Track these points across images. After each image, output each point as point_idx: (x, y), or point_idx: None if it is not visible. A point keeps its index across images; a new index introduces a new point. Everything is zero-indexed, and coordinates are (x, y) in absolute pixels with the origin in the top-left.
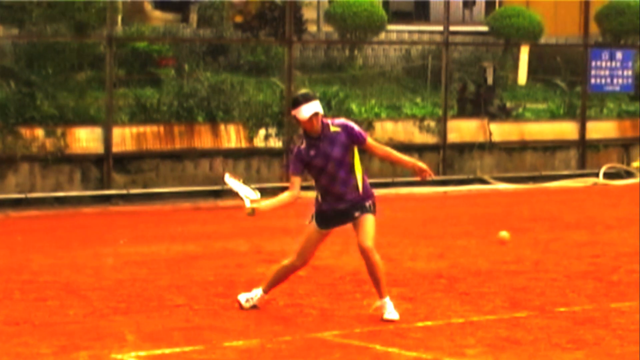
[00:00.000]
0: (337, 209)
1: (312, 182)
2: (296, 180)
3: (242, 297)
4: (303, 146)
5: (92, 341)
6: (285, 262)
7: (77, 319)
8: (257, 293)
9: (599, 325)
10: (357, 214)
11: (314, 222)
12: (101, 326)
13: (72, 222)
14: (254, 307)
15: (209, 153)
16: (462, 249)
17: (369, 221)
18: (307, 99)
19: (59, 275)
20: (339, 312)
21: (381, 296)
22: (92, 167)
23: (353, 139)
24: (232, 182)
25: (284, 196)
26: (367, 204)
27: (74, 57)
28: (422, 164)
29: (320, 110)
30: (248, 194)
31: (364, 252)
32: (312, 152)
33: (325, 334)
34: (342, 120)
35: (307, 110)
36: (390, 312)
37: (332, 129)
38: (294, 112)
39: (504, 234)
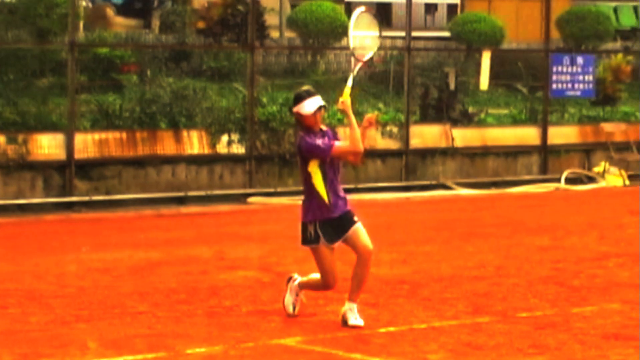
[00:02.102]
0: (340, 213)
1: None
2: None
3: (287, 300)
4: (315, 136)
5: (54, 349)
6: (318, 279)
7: (39, 327)
8: (296, 290)
9: (560, 329)
10: (355, 218)
11: (322, 244)
12: (63, 334)
13: (34, 229)
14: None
15: (172, 159)
16: (425, 255)
17: (362, 229)
18: (310, 93)
19: (21, 283)
20: (302, 319)
21: (353, 300)
22: (54, 173)
23: (336, 137)
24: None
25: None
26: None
27: (35, 63)
28: (367, 119)
29: (325, 104)
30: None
31: (367, 255)
32: (325, 139)
33: (288, 340)
34: None
35: (312, 104)
36: (357, 318)
37: (322, 127)
38: (296, 109)
39: None
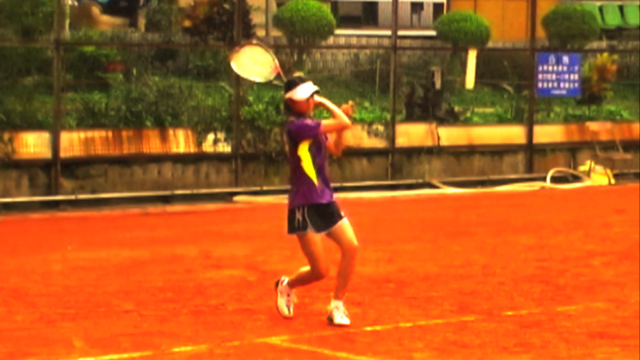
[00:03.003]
0: (327, 201)
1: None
2: None
3: (280, 303)
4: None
5: (40, 347)
6: (308, 271)
7: (24, 325)
8: (287, 290)
9: (545, 328)
10: (342, 213)
11: (310, 231)
12: (49, 332)
13: (19, 228)
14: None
15: (158, 158)
16: (411, 254)
17: (348, 225)
18: (302, 80)
19: (6, 282)
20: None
21: (339, 298)
22: (39, 172)
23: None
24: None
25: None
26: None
27: (21, 62)
28: (346, 106)
29: (318, 89)
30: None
31: (353, 251)
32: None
33: (274, 339)
34: None
35: (306, 90)
36: (343, 316)
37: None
38: (289, 94)
39: None
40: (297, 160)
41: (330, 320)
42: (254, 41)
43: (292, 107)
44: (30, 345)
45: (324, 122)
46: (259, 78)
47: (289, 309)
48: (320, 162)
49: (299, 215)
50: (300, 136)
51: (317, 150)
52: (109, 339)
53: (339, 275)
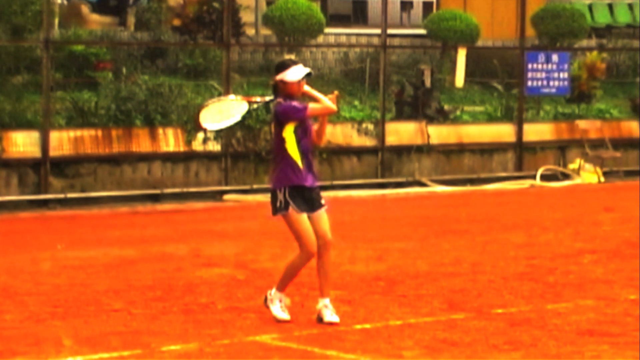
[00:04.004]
0: (310, 185)
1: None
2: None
3: (275, 310)
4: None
5: (29, 346)
6: (294, 258)
7: (13, 324)
8: (277, 296)
9: (535, 326)
10: (323, 201)
11: (292, 209)
12: (38, 331)
13: (9, 227)
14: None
15: (147, 157)
16: (401, 252)
17: (326, 216)
18: (294, 62)
19: None
20: None
21: (325, 295)
22: (29, 171)
23: None
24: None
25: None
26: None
27: (10, 61)
28: (331, 97)
29: (311, 71)
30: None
31: (327, 245)
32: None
33: (264, 337)
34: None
35: (298, 71)
36: (333, 314)
37: None
38: (280, 76)
39: None
40: (282, 141)
41: (319, 319)
42: (205, 103)
43: (282, 89)
44: (20, 344)
45: (311, 105)
46: (236, 118)
47: (285, 312)
48: (306, 146)
49: (280, 197)
50: (286, 117)
51: (303, 133)
52: (98, 337)
53: (319, 273)
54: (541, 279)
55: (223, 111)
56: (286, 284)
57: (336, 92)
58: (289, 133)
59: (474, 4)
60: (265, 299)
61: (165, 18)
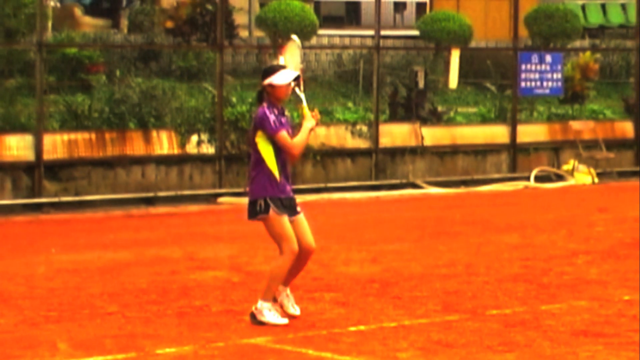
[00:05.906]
0: (287, 195)
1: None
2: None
3: (270, 318)
4: (275, 112)
5: (24, 350)
6: (277, 263)
7: (8, 328)
8: (264, 306)
9: (529, 327)
10: (299, 208)
11: (273, 211)
12: (33, 335)
13: (2, 230)
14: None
15: (141, 160)
16: (395, 254)
17: (306, 222)
18: (282, 66)
19: None
20: None
21: (288, 284)
22: (22, 175)
23: (288, 127)
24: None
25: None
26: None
27: (3, 64)
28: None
29: (299, 74)
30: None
31: (309, 253)
32: (282, 120)
33: (259, 340)
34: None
35: (287, 75)
36: (294, 305)
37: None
38: (269, 80)
39: None
40: (255, 146)
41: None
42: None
43: (270, 93)
44: (14, 347)
45: (283, 134)
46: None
47: (279, 317)
48: (284, 158)
49: (260, 202)
50: (259, 125)
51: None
52: (93, 341)
53: (292, 269)
54: (535, 280)
55: (294, 57)
56: (274, 290)
57: (316, 110)
58: (262, 139)
59: (467, 5)
60: (252, 315)
61: (159, 20)
